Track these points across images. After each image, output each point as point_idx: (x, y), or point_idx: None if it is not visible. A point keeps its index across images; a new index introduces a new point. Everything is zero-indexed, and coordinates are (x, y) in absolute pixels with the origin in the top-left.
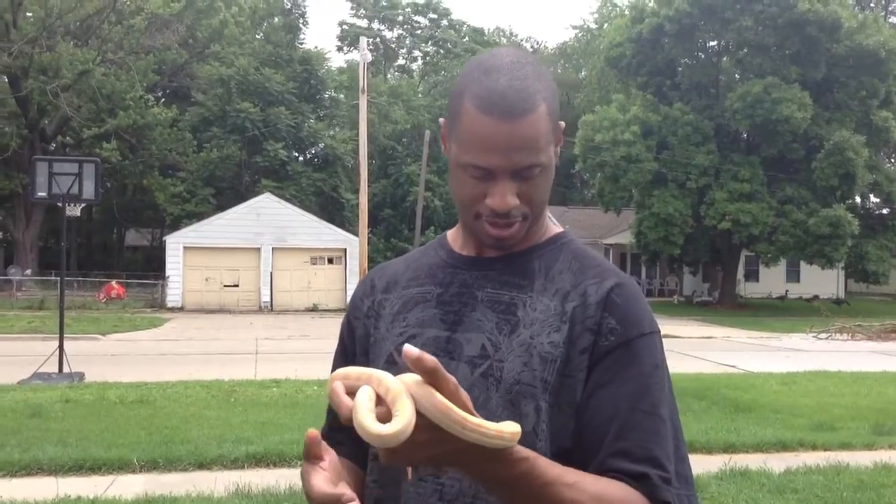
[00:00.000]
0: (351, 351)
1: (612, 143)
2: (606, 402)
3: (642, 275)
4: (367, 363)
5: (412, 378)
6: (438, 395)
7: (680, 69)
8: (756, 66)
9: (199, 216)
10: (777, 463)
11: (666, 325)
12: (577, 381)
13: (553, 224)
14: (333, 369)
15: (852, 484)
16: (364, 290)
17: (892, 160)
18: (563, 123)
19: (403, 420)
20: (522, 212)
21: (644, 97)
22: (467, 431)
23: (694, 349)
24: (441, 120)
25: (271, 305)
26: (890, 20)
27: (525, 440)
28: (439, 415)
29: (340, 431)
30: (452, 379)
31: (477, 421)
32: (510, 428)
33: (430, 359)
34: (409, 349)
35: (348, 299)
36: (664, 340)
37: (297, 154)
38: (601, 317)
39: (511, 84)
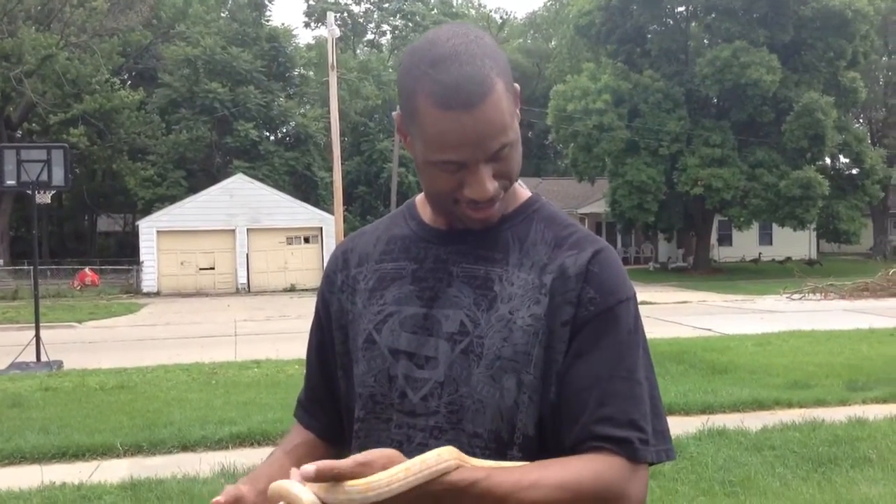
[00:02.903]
0: (327, 326)
1: (583, 113)
2: (585, 371)
3: (618, 243)
4: (344, 339)
5: (320, 487)
6: (362, 481)
7: (649, 36)
8: (724, 31)
9: (171, 199)
10: (754, 422)
11: (643, 292)
12: (559, 352)
13: (521, 188)
14: (310, 344)
15: (827, 439)
16: (336, 264)
17: (861, 120)
18: (517, 86)
19: None
20: (502, 188)
21: (614, 65)
22: (412, 476)
23: (670, 314)
24: (395, 114)
25: (248, 287)
26: None
27: (509, 414)
28: (384, 490)
29: (315, 404)
30: (346, 462)
31: (408, 464)
32: (438, 451)
33: (318, 467)
34: (305, 470)
35: None
36: (641, 307)
37: (268, 133)
38: (581, 288)
39: (462, 71)
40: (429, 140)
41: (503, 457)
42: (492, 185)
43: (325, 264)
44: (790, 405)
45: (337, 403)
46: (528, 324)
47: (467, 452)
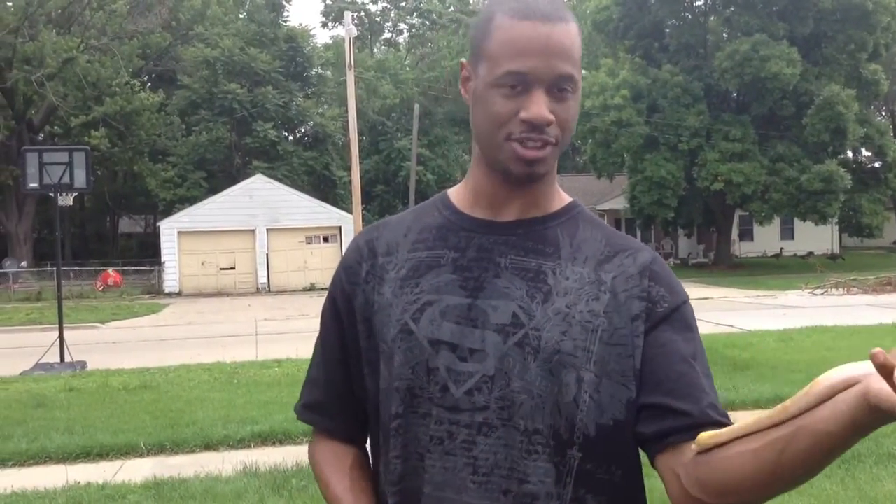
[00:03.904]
0: (348, 321)
1: (602, 109)
2: (676, 362)
3: (638, 239)
4: (369, 333)
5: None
6: None
7: (667, 30)
8: (743, 24)
9: (192, 200)
10: None
11: None
12: (633, 347)
13: (562, 192)
14: (325, 342)
15: None
16: (360, 253)
17: (883, 113)
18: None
19: None
20: (555, 134)
21: (633, 61)
22: None
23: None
24: (462, 61)
25: (268, 286)
26: None
27: (567, 410)
28: None
29: (334, 405)
30: None
31: None
32: None
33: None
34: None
35: None
36: None
37: (286, 133)
38: (648, 285)
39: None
40: (498, 52)
41: (563, 457)
42: (548, 113)
43: None
44: None
45: (357, 404)
46: (586, 319)
47: (519, 451)
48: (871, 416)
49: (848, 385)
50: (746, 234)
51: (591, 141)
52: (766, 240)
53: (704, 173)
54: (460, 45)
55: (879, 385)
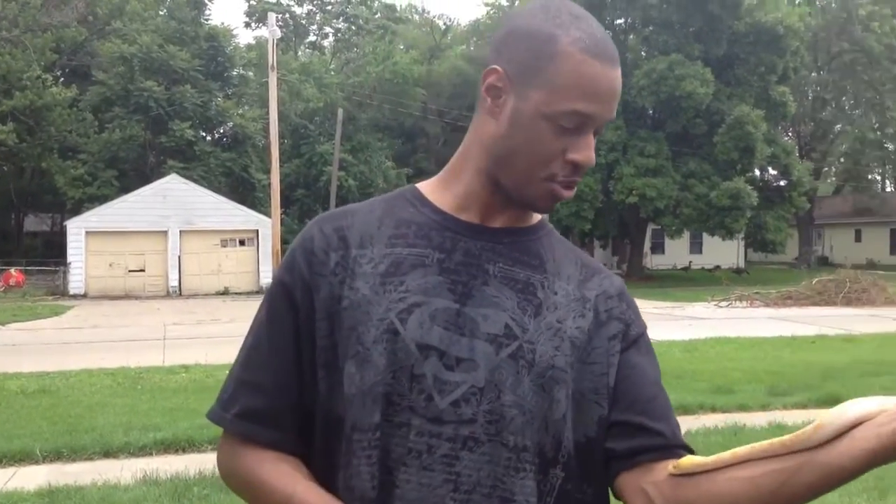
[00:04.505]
0: (307, 315)
1: None
2: (647, 383)
3: None
4: (329, 330)
5: None
6: None
7: None
8: (661, 44)
9: (102, 199)
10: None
11: None
12: (608, 365)
13: None
14: (273, 338)
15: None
16: (327, 241)
17: (790, 134)
18: None
19: None
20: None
21: None
22: None
23: None
24: (495, 67)
25: (179, 290)
26: None
27: (555, 428)
28: None
29: (278, 412)
30: None
31: None
32: None
33: None
34: None
35: (261, 282)
36: None
37: (204, 134)
38: (625, 308)
39: (603, 31)
40: (563, 86)
41: (545, 475)
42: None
43: (260, 267)
44: (714, 410)
45: (303, 410)
46: (575, 336)
47: (505, 468)
48: (893, 455)
49: (862, 421)
50: (658, 247)
51: None
52: (677, 253)
53: (620, 187)
54: (386, 52)
55: None
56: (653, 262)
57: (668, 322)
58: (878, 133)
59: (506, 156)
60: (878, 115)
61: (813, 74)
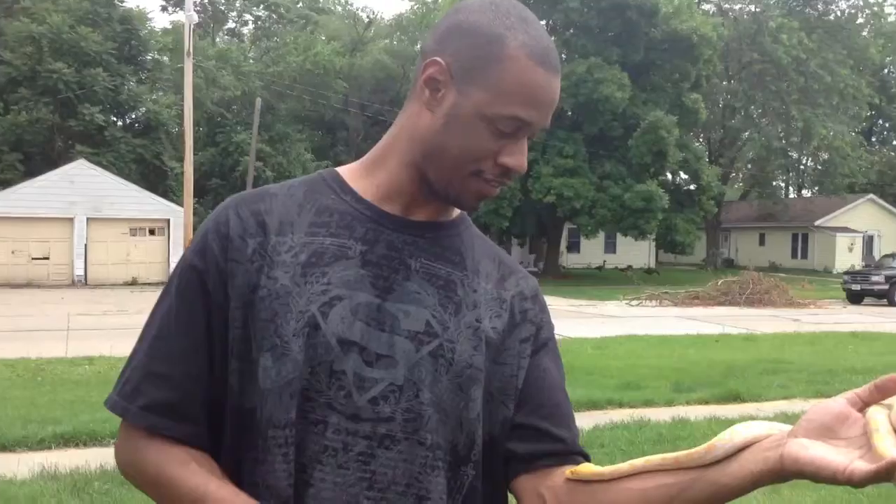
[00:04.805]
0: (220, 303)
1: None
2: (553, 388)
3: None
4: (244, 320)
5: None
6: None
7: None
8: (580, 47)
9: (6, 184)
10: (587, 420)
11: None
12: (518, 367)
13: None
14: (182, 327)
15: (652, 437)
16: (244, 226)
17: (700, 140)
18: None
19: None
20: None
21: None
22: None
23: None
24: (437, 59)
25: (85, 279)
26: (702, 6)
27: (469, 427)
28: None
29: (187, 406)
30: None
31: None
32: None
33: None
34: None
35: (171, 272)
36: None
37: (115, 119)
38: (538, 311)
39: (550, 41)
40: (507, 90)
41: (455, 473)
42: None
43: (171, 257)
44: (621, 405)
45: (213, 403)
46: (490, 336)
47: (421, 466)
48: (776, 477)
49: (751, 444)
50: (574, 246)
51: None
52: (592, 252)
53: (539, 186)
54: (307, 42)
55: (809, 454)
56: (568, 260)
57: (581, 319)
58: (783, 142)
59: (438, 151)
60: (784, 125)
61: (724, 83)
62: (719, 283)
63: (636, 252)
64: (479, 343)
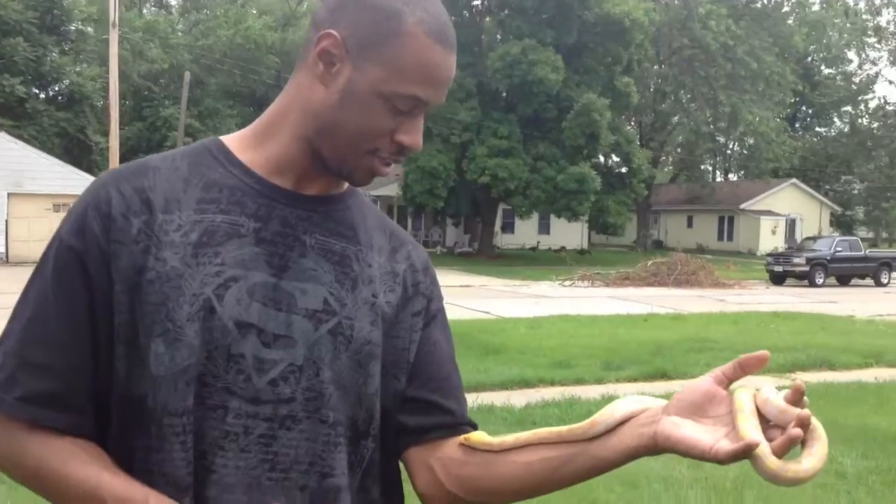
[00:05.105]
0: (103, 287)
1: None
2: (443, 361)
3: (408, 227)
4: (131, 305)
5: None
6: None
7: None
8: (515, 28)
9: None
10: (519, 399)
11: None
12: (409, 342)
13: None
14: (62, 313)
15: (582, 414)
16: (126, 203)
17: (632, 123)
18: None
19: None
20: None
21: None
22: None
23: (454, 297)
24: (332, 32)
25: (6, 257)
26: None
27: (368, 402)
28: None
29: (71, 396)
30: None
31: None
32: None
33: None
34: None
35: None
36: None
37: (37, 91)
38: (429, 283)
39: (447, 17)
40: (405, 68)
41: (356, 447)
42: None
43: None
44: (553, 383)
45: (98, 391)
46: (385, 311)
47: (323, 444)
48: (650, 452)
49: (629, 419)
50: (508, 227)
51: None
52: (526, 233)
53: (473, 167)
54: (238, 15)
55: (679, 433)
56: (503, 241)
57: (515, 299)
58: (711, 126)
59: (333, 127)
60: (712, 110)
61: (655, 67)
62: (649, 264)
63: (569, 233)
64: (376, 318)
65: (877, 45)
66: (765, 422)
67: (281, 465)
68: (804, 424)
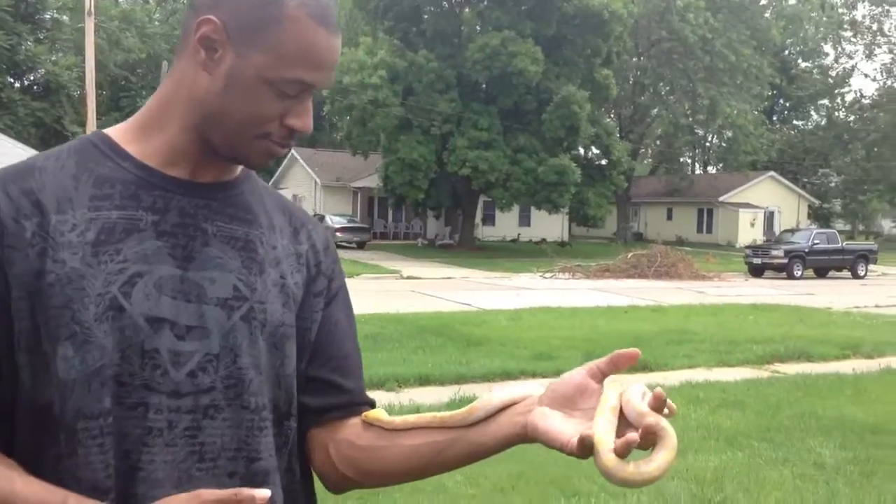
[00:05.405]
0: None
1: (359, 87)
2: (343, 340)
3: (389, 218)
4: (31, 310)
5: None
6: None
7: (425, 16)
8: (494, 20)
9: None
10: None
11: (410, 267)
12: (311, 321)
13: None
14: None
15: None
16: (15, 207)
17: (612, 115)
18: None
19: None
20: None
21: (391, 42)
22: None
23: (435, 289)
24: (211, 18)
25: None
26: None
27: (287, 383)
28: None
29: None
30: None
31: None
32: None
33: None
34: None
35: None
36: (408, 282)
37: (12, 80)
38: (330, 262)
39: None
40: (289, 53)
41: (280, 429)
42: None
43: None
44: (534, 375)
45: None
46: (294, 291)
47: (249, 429)
48: (524, 440)
49: (508, 406)
50: (489, 219)
51: (347, 118)
52: (506, 225)
53: (454, 158)
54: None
55: (545, 424)
56: (483, 233)
57: (495, 291)
58: (690, 119)
59: (220, 115)
60: (691, 102)
61: (634, 60)
62: (629, 256)
63: (550, 225)
64: (287, 300)
65: (853, 39)
66: (626, 421)
67: (209, 455)
68: (650, 432)
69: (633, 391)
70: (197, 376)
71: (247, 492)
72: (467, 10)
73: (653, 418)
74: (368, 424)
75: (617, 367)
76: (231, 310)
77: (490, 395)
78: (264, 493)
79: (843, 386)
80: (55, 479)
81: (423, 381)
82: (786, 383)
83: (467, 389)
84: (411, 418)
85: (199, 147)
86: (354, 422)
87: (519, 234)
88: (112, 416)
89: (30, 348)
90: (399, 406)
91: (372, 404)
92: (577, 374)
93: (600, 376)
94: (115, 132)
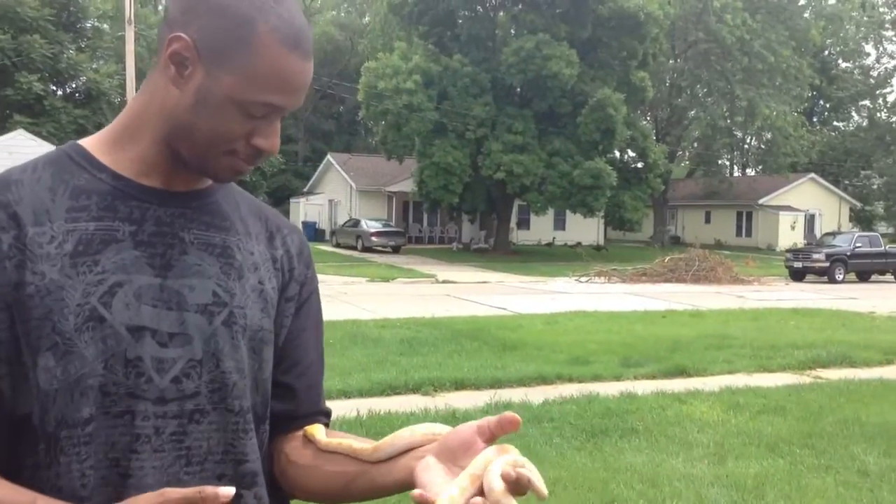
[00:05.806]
0: None
1: (394, 92)
2: (309, 347)
3: (424, 222)
4: (10, 322)
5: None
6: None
7: (460, 21)
8: (529, 23)
9: None
10: (537, 395)
11: (445, 271)
12: (281, 327)
13: None
14: None
15: (601, 411)
16: None
17: (648, 118)
18: None
19: None
20: None
21: (426, 47)
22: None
23: (470, 294)
24: (181, 36)
25: None
26: None
27: (263, 387)
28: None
29: None
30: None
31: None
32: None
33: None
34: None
35: None
36: (444, 286)
37: (55, 88)
38: (303, 268)
39: (302, 19)
40: (258, 77)
41: (258, 432)
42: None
43: None
44: (570, 380)
45: None
46: (271, 296)
47: (234, 432)
48: (413, 487)
49: (412, 448)
50: (524, 223)
51: (382, 122)
52: (541, 229)
53: (489, 162)
54: None
55: (422, 478)
56: (518, 237)
57: (531, 296)
58: (728, 121)
59: (188, 130)
60: (729, 104)
61: (670, 62)
62: (666, 259)
63: (585, 229)
64: (265, 305)
65: (894, 39)
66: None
67: (196, 459)
68: None
69: (497, 465)
70: (181, 382)
71: (210, 489)
72: (501, 13)
73: (499, 499)
74: (307, 440)
75: (503, 429)
76: (212, 315)
77: (396, 435)
78: (228, 490)
79: (888, 392)
80: (33, 488)
81: (459, 385)
82: (828, 389)
83: (503, 394)
84: (334, 442)
85: (170, 159)
86: (300, 434)
87: (554, 238)
88: (94, 425)
89: (9, 359)
90: (435, 410)
91: (327, 414)
92: (467, 430)
93: (488, 435)
94: (90, 143)
